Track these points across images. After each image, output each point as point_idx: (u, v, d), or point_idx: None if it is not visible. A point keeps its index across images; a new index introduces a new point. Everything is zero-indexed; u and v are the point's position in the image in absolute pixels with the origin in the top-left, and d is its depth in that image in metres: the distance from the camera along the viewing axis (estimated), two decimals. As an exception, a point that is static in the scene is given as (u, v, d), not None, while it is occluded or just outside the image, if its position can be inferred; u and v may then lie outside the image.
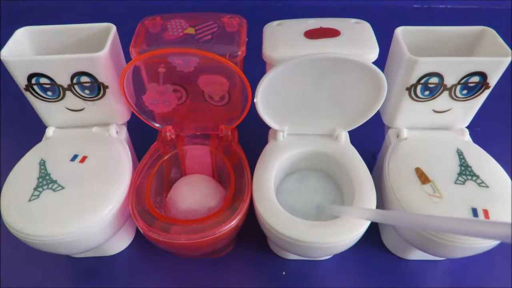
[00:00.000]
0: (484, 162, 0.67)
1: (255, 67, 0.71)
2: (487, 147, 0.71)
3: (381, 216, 0.52)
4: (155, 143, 0.77)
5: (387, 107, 0.73)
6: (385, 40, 0.72)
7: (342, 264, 0.79)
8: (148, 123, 0.75)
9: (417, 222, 0.45)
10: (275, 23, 0.71)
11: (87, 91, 0.69)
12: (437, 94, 0.68)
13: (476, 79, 0.65)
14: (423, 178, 0.65)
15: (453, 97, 0.68)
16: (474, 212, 0.60)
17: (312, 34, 0.66)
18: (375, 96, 0.66)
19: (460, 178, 0.65)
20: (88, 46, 0.68)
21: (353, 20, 0.69)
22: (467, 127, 0.75)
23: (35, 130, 0.78)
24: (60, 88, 0.68)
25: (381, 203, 0.71)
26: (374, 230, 0.83)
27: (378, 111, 0.71)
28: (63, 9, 1.47)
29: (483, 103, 0.70)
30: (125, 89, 0.66)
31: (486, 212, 0.59)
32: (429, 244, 0.62)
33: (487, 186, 0.63)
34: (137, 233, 0.84)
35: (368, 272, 0.78)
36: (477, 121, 0.74)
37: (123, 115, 0.76)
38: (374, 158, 0.91)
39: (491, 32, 0.67)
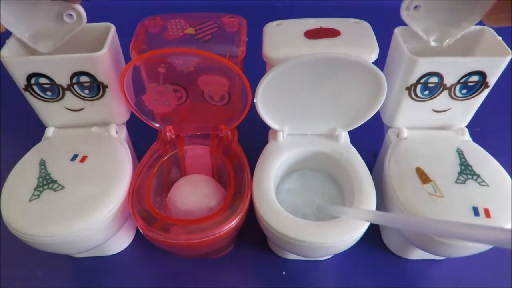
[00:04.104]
0: (484, 161, 0.67)
1: (255, 67, 0.71)
2: (487, 146, 0.71)
3: (381, 218, 0.51)
4: (155, 143, 0.77)
5: (387, 107, 0.73)
6: (385, 40, 0.72)
7: (342, 264, 0.79)
8: (148, 123, 0.75)
9: (417, 225, 0.45)
10: (275, 23, 0.71)
11: (86, 91, 0.69)
12: (436, 94, 0.68)
13: (475, 78, 0.65)
14: (423, 177, 0.65)
15: (453, 96, 0.68)
16: (475, 211, 0.60)
17: (312, 34, 0.66)
18: (375, 96, 0.67)
19: (460, 178, 0.65)
20: (88, 46, 0.68)
21: (353, 20, 0.69)
22: (467, 127, 0.75)
23: (35, 130, 0.78)
24: (60, 88, 0.68)
25: (382, 203, 0.71)
26: (374, 229, 0.83)
27: (378, 111, 0.71)
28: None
29: (483, 102, 0.70)
30: (125, 89, 0.66)
31: (487, 211, 0.59)
32: (430, 244, 0.62)
33: (487, 185, 0.63)
34: (137, 233, 0.84)
35: (369, 272, 0.78)
36: (477, 120, 0.74)
37: (123, 115, 0.76)
38: (375, 158, 0.91)
39: (490, 32, 0.67)
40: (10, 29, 0.62)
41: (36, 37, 0.64)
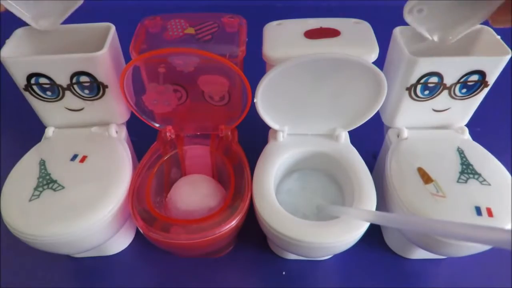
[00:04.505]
0: (485, 160, 0.67)
1: (255, 67, 0.71)
2: (487, 145, 0.71)
3: (381, 218, 0.51)
4: (155, 143, 0.77)
5: (387, 107, 0.73)
6: (385, 40, 0.72)
7: (343, 264, 0.79)
8: (148, 123, 0.75)
9: (417, 225, 0.45)
10: (275, 23, 0.71)
11: (86, 91, 0.69)
12: (436, 94, 0.68)
13: (475, 77, 0.65)
14: (425, 177, 0.65)
15: (453, 96, 0.68)
16: (478, 210, 0.59)
17: (312, 34, 0.66)
18: (375, 96, 0.66)
19: (462, 177, 0.65)
20: (88, 46, 0.68)
21: (353, 20, 0.69)
22: (467, 126, 0.75)
23: (35, 130, 0.78)
24: (60, 88, 0.68)
25: (382, 203, 0.71)
26: (375, 229, 0.83)
27: (378, 111, 0.71)
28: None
29: (482, 101, 0.70)
30: (125, 89, 0.66)
31: (489, 210, 0.59)
32: (432, 243, 0.62)
33: (489, 184, 0.63)
34: (137, 233, 0.84)
35: (370, 271, 0.78)
36: (476, 119, 0.74)
37: (123, 115, 0.76)
38: (375, 158, 0.91)
39: (488, 31, 0.67)
40: (12, 9, 0.61)
41: (37, 15, 0.64)
